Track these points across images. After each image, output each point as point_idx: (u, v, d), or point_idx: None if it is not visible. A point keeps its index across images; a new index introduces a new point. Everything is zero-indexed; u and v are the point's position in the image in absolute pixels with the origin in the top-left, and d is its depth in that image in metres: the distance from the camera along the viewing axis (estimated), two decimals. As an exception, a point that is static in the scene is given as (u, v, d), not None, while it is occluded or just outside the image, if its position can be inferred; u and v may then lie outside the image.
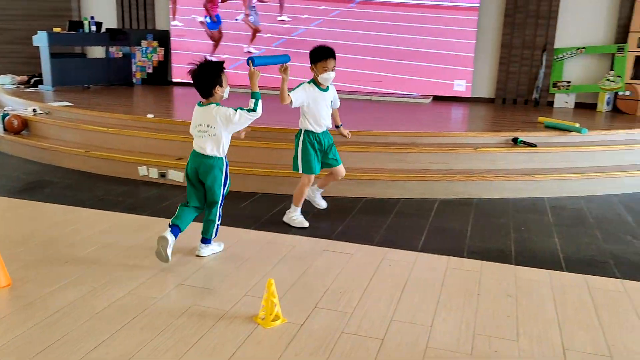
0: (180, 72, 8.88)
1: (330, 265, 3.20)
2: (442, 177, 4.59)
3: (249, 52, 8.37)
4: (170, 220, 3.16)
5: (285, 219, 3.90)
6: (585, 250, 3.55)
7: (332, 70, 3.59)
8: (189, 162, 3.21)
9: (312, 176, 3.78)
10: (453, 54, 7.59)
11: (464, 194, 4.60)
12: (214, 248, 3.33)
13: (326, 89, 3.70)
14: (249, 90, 3.17)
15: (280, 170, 4.60)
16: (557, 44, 7.25)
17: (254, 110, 3.09)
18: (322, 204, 4.09)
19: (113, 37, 8.33)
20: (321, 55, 3.58)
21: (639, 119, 6.33)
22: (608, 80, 6.88)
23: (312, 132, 3.69)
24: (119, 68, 8.55)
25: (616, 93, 6.91)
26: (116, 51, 8.81)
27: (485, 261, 3.31)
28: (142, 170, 4.92)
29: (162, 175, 4.85)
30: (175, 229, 3.10)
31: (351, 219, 4.04)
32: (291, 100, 3.51)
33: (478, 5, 7.39)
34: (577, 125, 5.29)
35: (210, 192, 3.20)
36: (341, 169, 3.89)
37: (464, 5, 7.46)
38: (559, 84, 7.26)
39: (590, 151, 5.06)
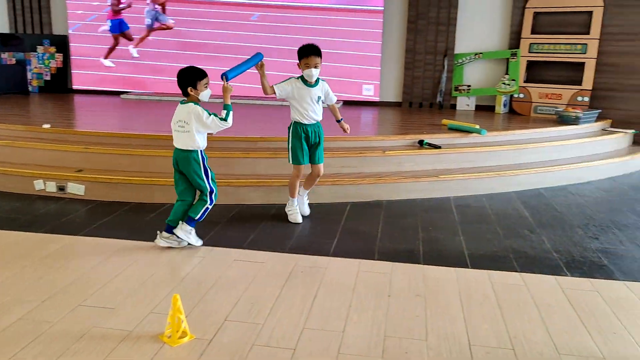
0: (81, 78, 8.42)
1: (241, 276, 3.13)
2: (353, 181, 4.65)
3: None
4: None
5: (286, 210, 4.14)
6: (487, 246, 3.71)
7: (315, 67, 3.75)
8: (173, 154, 3.51)
9: (302, 167, 3.95)
10: (361, 60, 7.72)
11: (373, 196, 4.67)
12: (190, 237, 3.49)
13: (313, 85, 3.85)
14: (222, 101, 3.45)
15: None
16: (457, 50, 7.58)
17: (225, 119, 3.40)
18: (306, 211, 4.20)
19: (4, 42, 7.78)
20: (303, 53, 3.77)
21: (533, 120, 6.75)
22: (504, 83, 7.28)
23: (300, 123, 3.88)
24: (13, 75, 7.98)
25: (512, 96, 7.32)
26: (9, 57, 8.21)
27: (396, 262, 3.38)
28: (38, 184, 4.60)
29: (61, 188, 4.56)
30: (168, 227, 3.49)
31: (263, 227, 3.98)
32: (274, 92, 3.76)
33: (382, 8, 7.57)
34: (477, 126, 5.55)
35: (193, 182, 3.48)
36: (320, 168, 4.05)
37: (371, 8, 7.60)
38: (460, 88, 7.59)
39: (490, 151, 5.32)
